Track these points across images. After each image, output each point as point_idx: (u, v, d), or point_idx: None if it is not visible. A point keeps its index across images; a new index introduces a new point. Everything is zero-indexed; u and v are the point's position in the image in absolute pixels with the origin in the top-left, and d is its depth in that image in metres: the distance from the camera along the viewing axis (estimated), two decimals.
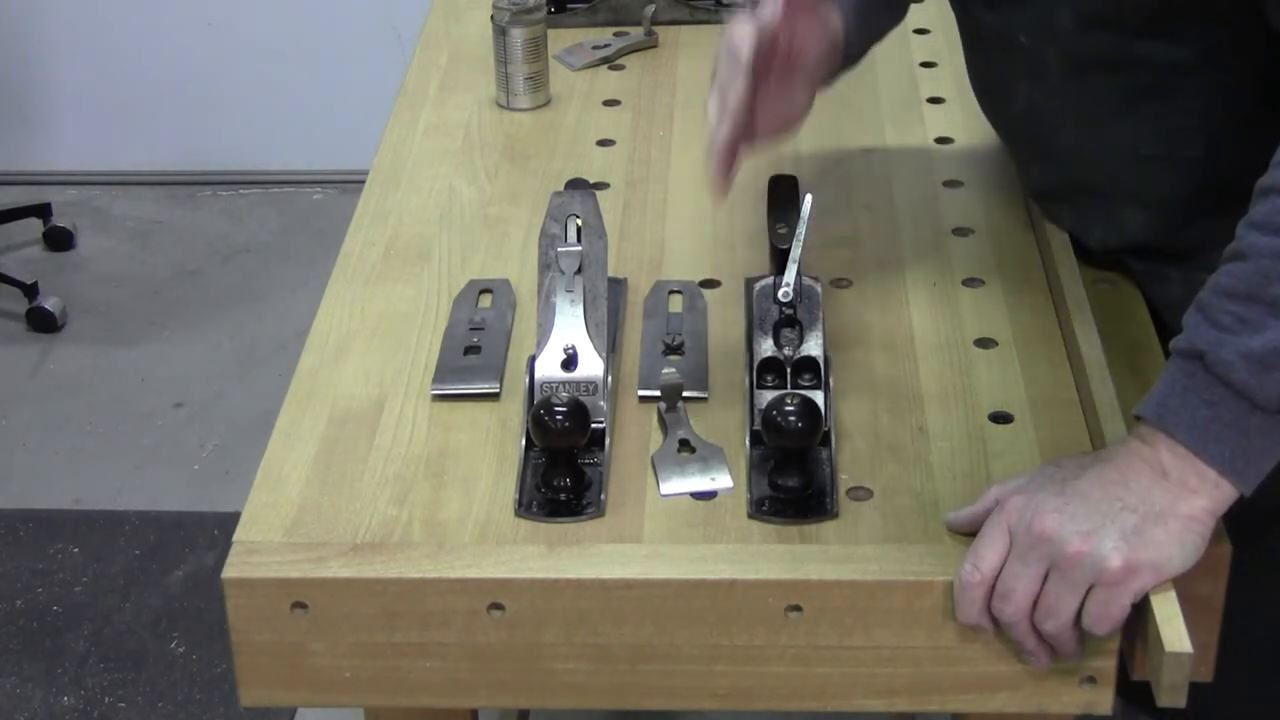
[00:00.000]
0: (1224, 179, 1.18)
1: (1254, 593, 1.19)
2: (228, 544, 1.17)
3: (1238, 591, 1.14)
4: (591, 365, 1.26)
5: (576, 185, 1.38)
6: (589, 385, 1.25)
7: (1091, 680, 1.14)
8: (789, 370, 1.25)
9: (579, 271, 1.28)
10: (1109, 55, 1.27)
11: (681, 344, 1.35)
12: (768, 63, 1.24)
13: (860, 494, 1.20)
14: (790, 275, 1.26)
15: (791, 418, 1.17)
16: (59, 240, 3.50)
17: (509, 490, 1.21)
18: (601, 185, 1.60)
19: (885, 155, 1.64)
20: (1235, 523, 1.11)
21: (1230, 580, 1.14)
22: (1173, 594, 1.07)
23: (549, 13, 1.81)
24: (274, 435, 1.28)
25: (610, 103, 1.77)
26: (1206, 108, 1.26)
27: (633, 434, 1.27)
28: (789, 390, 1.24)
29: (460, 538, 1.17)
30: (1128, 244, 1.37)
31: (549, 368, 1.26)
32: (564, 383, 1.25)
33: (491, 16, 1.75)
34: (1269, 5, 1.16)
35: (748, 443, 1.24)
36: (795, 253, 1.27)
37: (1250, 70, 1.24)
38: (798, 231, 1.27)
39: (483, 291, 1.44)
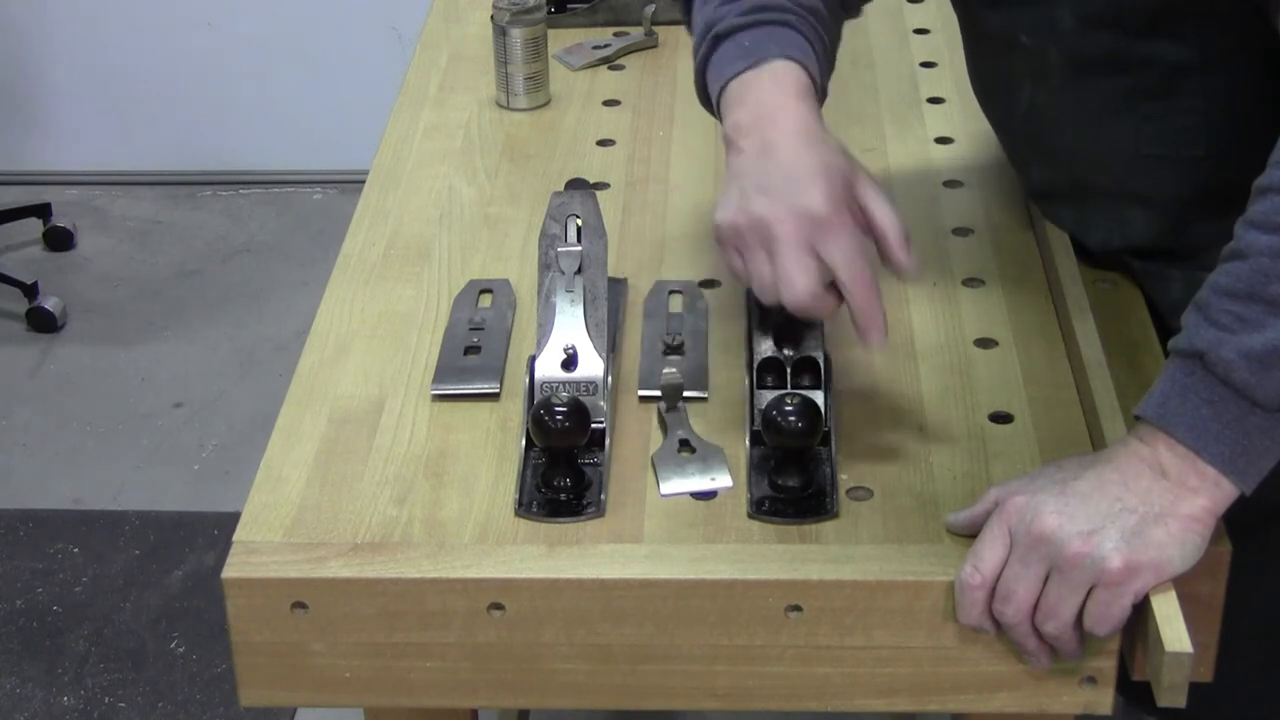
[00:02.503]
0: (1227, 179, 1.17)
1: (1253, 591, 1.19)
2: (228, 544, 1.17)
3: (1236, 589, 1.14)
4: (591, 365, 1.26)
5: (576, 185, 1.38)
6: (589, 385, 1.25)
7: (1091, 680, 1.14)
8: (789, 370, 1.25)
9: (579, 271, 1.28)
10: (1110, 55, 1.27)
11: (681, 344, 1.35)
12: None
13: (860, 494, 1.20)
14: None
15: (791, 418, 1.17)
16: (59, 240, 3.50)
17: (509, 490, 1.21)
18: (601, 185, 1.60)
19: (885, 155, 1.64)
20: (1233, 521, 1.11)
21: (1233, 582, 1.13)
22: (1173, 594, 1.07)
23: (549, 13, 1.81)
24: (274, 435, 1.28)
25: (610, 103, 1.77)
26: (1209, 108, 1.26)
27: (633, 434, 1.27)
28: (789, 390, 1.24)
29: (460, 538, 1.17)
30: (1129, 244, 1.37)
31: (549, 368, 1.26)
32: (564, 383, 1.25)
33: (491, 16, 1.75)
34: (1269, 6, 1.16)
35: (748, 443, 1.24)
36: None
37: (1253, 70, 1.24)
38: None
39: (483, 291, 1.44)
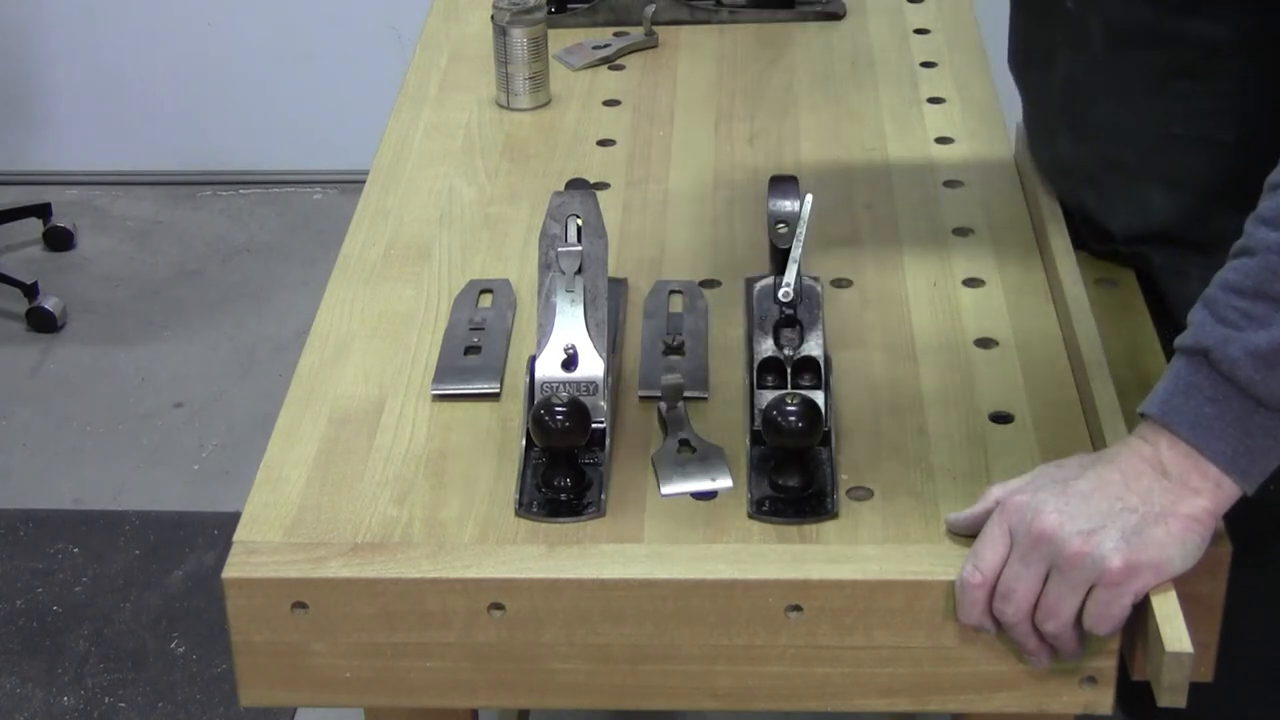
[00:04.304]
0: (1254, 167, 1.15)
1: (1260, 602, 1.18)
2: (228, 544, 1.17)
3: (1243, 597, 1.14)
4: (591, 365, 1.26)
5: (576, 185, 1.38)
6: (589, 385, 1.25)
7: (1092, 680, 1.14)
8: (789, 370, 1.25)
9: (579, 271, 1.28)
10: (1149, 29, 1.26)
11: (682, 344, 1.35)
12: None
13: (860, 494, 1.20)
14: (790, 275, 1.26)
15: (791, 418, 1.17)
16: (59, 240, 3.50)
17: (509, 490, 1.21)
18: (601, 185, 1.60)
19: (885, 155, 1.64)
20: (1241, 530, 1.11)
21: (1236, 588, 1.13)
22: (1173, 594, 1.07)
23: (549, 13, 1.81)
24: (274, 435, 1.28)
25: (610, 103, 1.77)
26: (1241, 91, 1.25)
27: (633, 434, 1.27)
28: (789, 390, 1.24)
29: (460, 538, 1.17)
30: (1152, 229, 1.35)
31: (549, 368, 1.26)
32: (564, 383, 1.25)
33: (491, 16, 1.75)
34: None
35: (748, 443, 1.24)
36: (795, 253, 1.27)
37: None
38: (798, 231, 1.27)
39: (483, 291, 1.44)
